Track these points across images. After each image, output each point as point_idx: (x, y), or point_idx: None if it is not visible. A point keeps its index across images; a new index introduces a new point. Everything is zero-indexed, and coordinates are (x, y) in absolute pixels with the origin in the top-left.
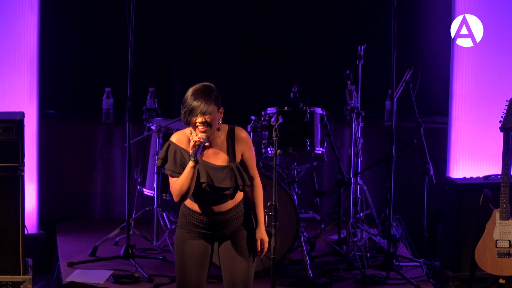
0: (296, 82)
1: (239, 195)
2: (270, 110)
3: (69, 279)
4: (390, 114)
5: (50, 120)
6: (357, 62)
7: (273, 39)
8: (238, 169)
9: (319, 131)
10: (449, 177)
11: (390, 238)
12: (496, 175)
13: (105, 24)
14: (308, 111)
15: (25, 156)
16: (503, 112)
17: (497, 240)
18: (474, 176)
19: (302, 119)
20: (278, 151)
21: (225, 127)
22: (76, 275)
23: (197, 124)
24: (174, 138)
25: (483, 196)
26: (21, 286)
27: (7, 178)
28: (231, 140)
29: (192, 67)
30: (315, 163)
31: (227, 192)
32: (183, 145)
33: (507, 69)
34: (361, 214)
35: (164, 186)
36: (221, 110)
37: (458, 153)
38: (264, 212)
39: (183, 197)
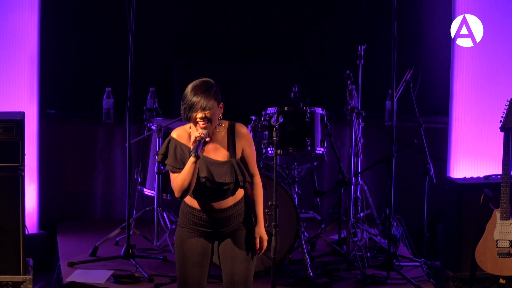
0: (297, 82)
1: (240, 193)
2: (271, 110)
3: (69, 279)
4: (390, 114)
5: (51, 120)
6: (358, 62)
7: (274, 39)
8: (238, 165)
9: (320, 131)
10: (450, 177)
11: (390, 238)
12: (496, 175)
13: (105, 23)
14: (309, 111)
15: (26, 156)
16: (504, 112)
17: (497, 240)
18: (475, 176)
19: (303, 119)
20: (279, 151)
21: (226, 123)
22: (77, 275)
23: (197, 119)
24: (174, 133)
25: (484, 196)
26: (22, 286)
27: (8, 178)
28: (232, 136)
29: (193, 67)
30: (315, 163)
31: (227, 187)
32: (183, 140)
33: (507, 69)
34: (362, 214)
35: (164, 186)
36: (221, 105)
37: (458, 153)
38: (265, 212)
39: (185, 192)
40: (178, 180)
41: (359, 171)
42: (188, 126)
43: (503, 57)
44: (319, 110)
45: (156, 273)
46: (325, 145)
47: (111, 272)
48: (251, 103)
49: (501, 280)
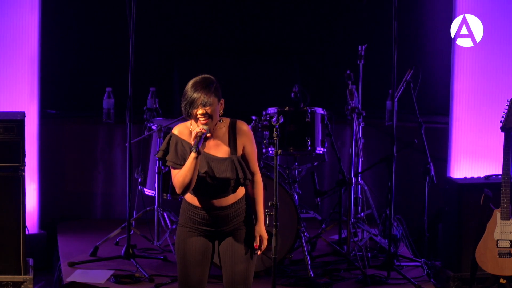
0: (297, 82)
1: (241, 191)
2: (271, 110)
3: (70, 279)
4: (391, 114)
5: (51, 120)
6: (358, 62)
7: (274, 38)
8: (239, 162)
9: (320, 131)
10: (450, 177)
11: (391, 238)
12: (496, 175)
13: (105, 23)
14: (309, 111)
15: (26, 156)
16: (504, 112)
17: (498, 240)
18: (475, 176)
19: (303, 119)
20: (279, 151)
21: (227, 120)
22: (77, 275)
23: (198, 115)
24: (175, 130)
25: (484, 196)
26: (22, 286)
27: (8, 178)
28: (233, 132)
29: (193, 66)
30: (316, 163)
31: (227, 183)
32: (184, 137)
33: (507, 69)
34: (362, 214)
35: (165, 186)
36: (221, 101)
37: (458, 153)
38: (265, 212)
39: (186, 188)
40: (179, 176)
41: (360, 171)
42: (189, 123)
43: (503, 57)
44: (319, 110)
45: (156, 273)
46: (326, 145)
47: (111, 272)
48: (252, 103)
49: (501, 280)
